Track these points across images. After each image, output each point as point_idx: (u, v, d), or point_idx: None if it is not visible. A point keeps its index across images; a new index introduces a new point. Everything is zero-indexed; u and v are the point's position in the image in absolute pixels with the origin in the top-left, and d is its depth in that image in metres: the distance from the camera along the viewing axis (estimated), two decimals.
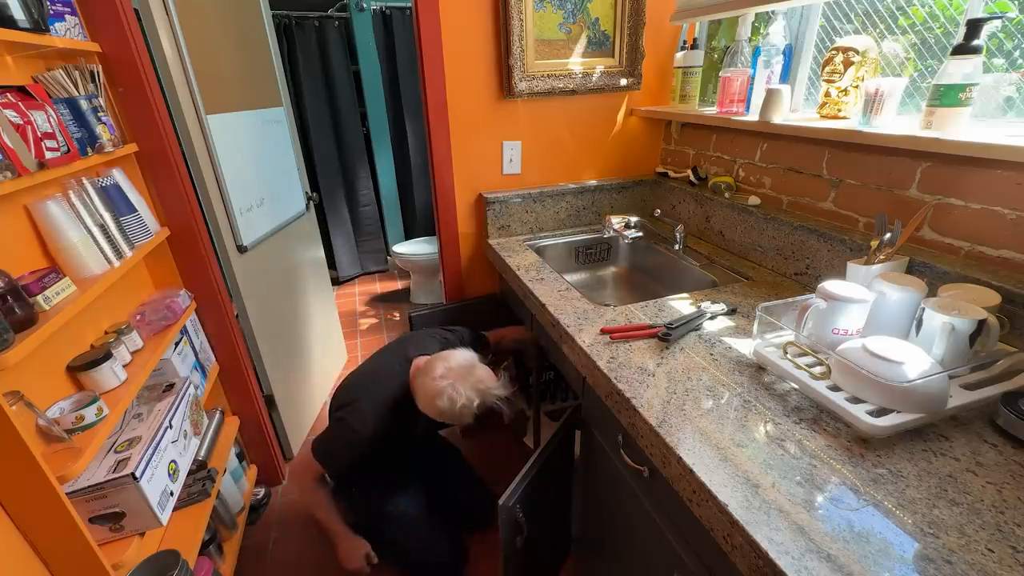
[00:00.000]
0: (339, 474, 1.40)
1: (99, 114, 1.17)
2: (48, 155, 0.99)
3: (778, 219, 1.30)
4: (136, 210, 1.28)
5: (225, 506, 1.53)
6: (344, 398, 1.40)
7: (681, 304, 1.18)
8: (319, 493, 1.41)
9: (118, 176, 1.27)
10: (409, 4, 2.90)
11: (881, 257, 0.99)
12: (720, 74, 1.43)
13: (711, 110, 1.53)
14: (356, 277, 3.78)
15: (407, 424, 1.41)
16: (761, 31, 1.40)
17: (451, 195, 1.67)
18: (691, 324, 1.06)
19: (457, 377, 1.27)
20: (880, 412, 0.74)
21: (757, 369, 0.92)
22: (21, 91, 1.00)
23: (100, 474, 1.01)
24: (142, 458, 1.05)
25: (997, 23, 0.95)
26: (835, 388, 0.81)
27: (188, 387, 1.32)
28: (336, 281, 3.64)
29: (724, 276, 1.39)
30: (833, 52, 1.15)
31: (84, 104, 1.13)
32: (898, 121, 1.08)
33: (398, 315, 3.17)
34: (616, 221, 1.66)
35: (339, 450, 1.36)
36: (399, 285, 3.62)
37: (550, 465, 1.21)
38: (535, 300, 1.29)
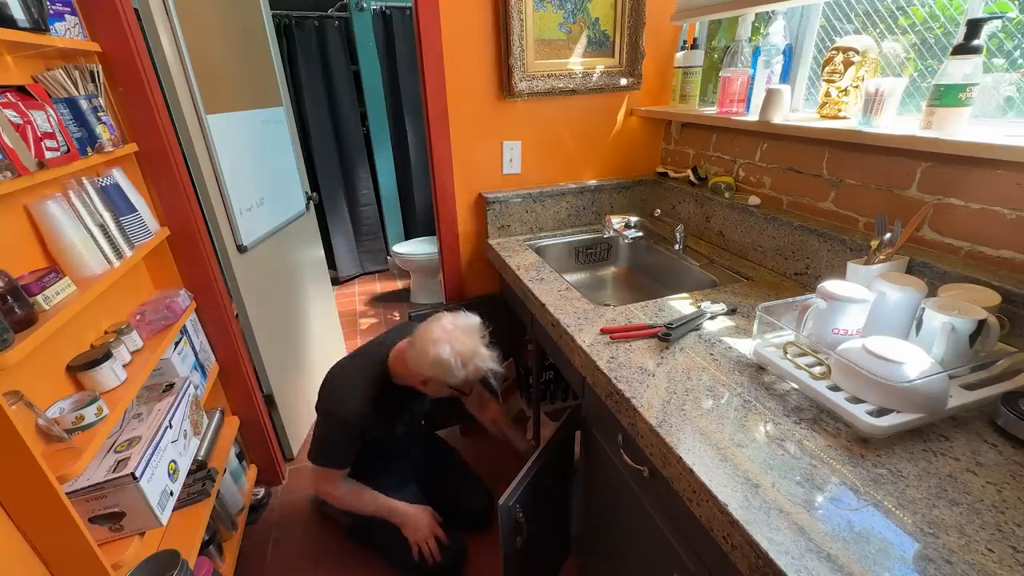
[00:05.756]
0: (344, 466, 1.41)
1: (99, 114, 1.17)
2: (48, 155, 0.99)
3: (778, 219, 1.30)
4: (136, 210, 1.28)
5: (225, 506, 1.53)
6: (326, 394, 1.41)
7: (681, 304, 1.18)
8: (352, 493, 1.43)
9: (118, 176, 1.27)
10: (409, 4, 2.90)
11: (881, 257, 0.99)
12: (720, 74, 1.43)
13: (711, 110, 1.53)
14: (356, 277, 3.78)
15: (392, 402, 1.41)
16: (761, 31, 1.40)
17: (451, 195, 1.67)
18: (691, 324, 1.06)
19: (456, 332, 1.27)
20: (880, 412, 0.74)
21: (757, 369, 0.92)
22: (21, 91, 1.00)
23: (100, 474, 1.01)
24: (142, 458, 1.05)
25: (997, 23, 0.95)
26: (835, 388, 0.81)
27: (188, 387, 1.32)
28: (336, 281, 3.63)
29: (724, 276, 1.39)
30: (833, 52, 1.15)
31: (84, 104, 1.13)
32: (898, 121, 1.08)
33: (398, 315, 3.17)
34: (616, 221, 1.66)
35: (334, 444, 1.38)
36: (399, 285, 3.62)
37: (550, 465, 1.21)
38: (535, 300, 1.29)
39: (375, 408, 1.35)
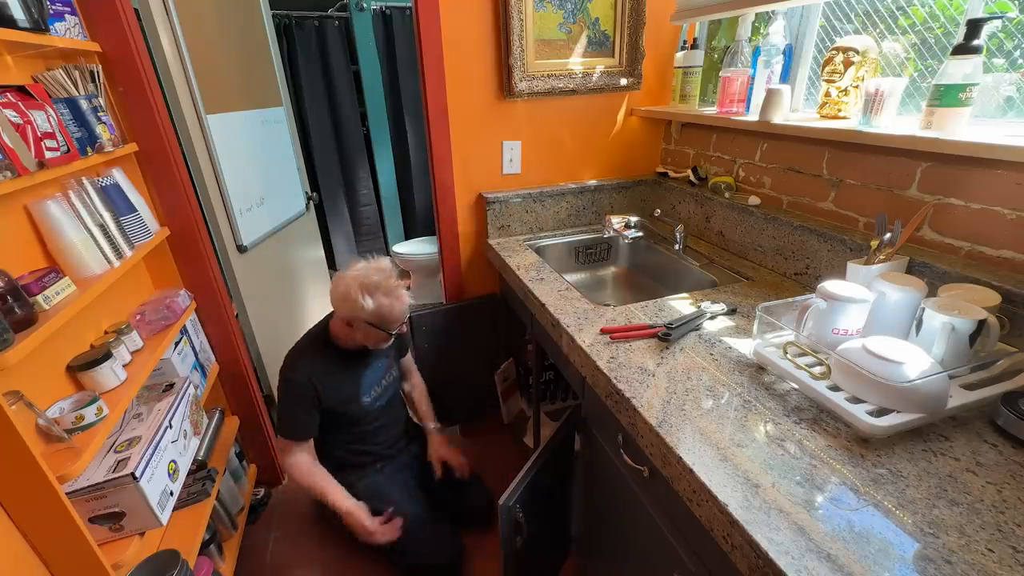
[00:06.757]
0: (303, 437, 1.44)
1: (99, 114, 1.17)
2: (48, 155, 0.99)
3: (778, 219, 1.30)
4: (136, 210, 1.28)
5: (225, 506, 1.53)
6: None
7: (681, 304, 1.18)
8: (303, 469, 1.44)
9: (118, 176, 1.27)
10: (409, 4, 2.90)
11: (881, 257, 0.99)
12: (720, 74, 1.43)
13: (711, 110, 1.53)
14: None
15: (340, 360, 1.44)
16: (761, 31, 1.40)
17: (451, 195, 1.67)
18: (691, 324, 1.06)
19: (366, 269, 1.38)
20: (880, 412, 0.74)
21: (757, 369, 0.92)
22: (21, 91, 1.00)
23: (100, 474, 1.01)
24: (142, 458, 1.05)
25: (997, 23, 0.95)
26: (835, 388, 0.81)
27: (188, 387, 1.32)
28: None
29: (724, 276, 1.39)
30: (833, 52, 1.15)
31: (84, 104, 1.13)
32: (898, 121, 1.08)
33: None
34: (616, 221, 1.66)
35: (286, 411, 1.42)
36: None
37: (550, 465, 1.21)
38: (535, 300, 1.29)
39: (319, 364, 1.41)
